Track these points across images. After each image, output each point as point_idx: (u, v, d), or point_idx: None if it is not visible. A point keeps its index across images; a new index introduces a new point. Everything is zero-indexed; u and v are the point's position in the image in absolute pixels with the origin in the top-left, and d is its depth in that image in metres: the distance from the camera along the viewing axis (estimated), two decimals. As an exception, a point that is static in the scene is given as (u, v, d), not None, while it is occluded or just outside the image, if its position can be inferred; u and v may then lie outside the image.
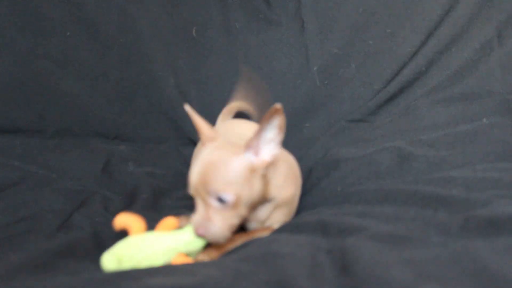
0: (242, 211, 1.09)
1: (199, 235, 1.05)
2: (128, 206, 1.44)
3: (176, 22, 2.02)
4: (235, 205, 1.07)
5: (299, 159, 1.65)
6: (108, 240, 1.17)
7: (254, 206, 1.14)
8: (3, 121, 1.92)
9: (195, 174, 1.09)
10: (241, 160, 1.10)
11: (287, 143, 1.84)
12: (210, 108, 1.93)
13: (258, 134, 1.09)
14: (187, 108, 1.18)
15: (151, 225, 1.24)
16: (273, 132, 1.10)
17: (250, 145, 1.11)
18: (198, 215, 1.07)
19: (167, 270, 0.88)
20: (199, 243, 1.07)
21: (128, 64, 2.04)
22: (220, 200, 1.05)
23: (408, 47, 1.81)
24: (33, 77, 1.95)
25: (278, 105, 1.03)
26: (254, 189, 1.11)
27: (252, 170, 1.11)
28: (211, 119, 1.67)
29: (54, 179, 1.62)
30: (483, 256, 0.69)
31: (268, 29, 1.95)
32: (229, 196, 1.05)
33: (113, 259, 0.99)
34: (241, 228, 1.19)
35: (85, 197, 1.48)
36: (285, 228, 1.15)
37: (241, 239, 1.16)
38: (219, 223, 1.06)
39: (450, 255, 0.73)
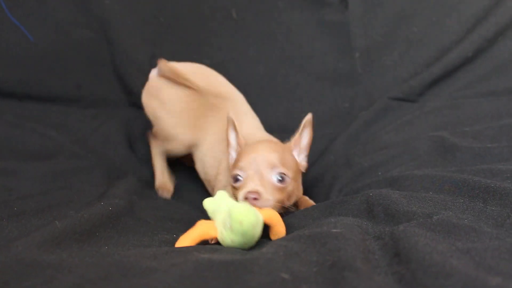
0: (285, 198, 1.15)
1: (251, 201, 1.06)
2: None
3: (216, 2, 2.00)
4: (284, 189, 1.13)
5: (337, 135, 1.65)
6: (143, 212, 1.19)
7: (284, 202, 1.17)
8: (41, 89, 1.93)
9: (262, 151, 1.15)
10: (294, 156, 1.25)
11: (323, 120, 1.83)
12: (250, 87, 1.92)
13: (298, 138, 1.26)
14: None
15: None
16: (305, 142, 1.27)
17: (295, 146, 1.26)
18: (255, 182, 1.10)
19: (216, 248, 0.89)
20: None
21: (164, 39, 2.03)
22: (280, 178, 1.12)
23: (454, 36, 1.77)
24: (73, 46, 1.95)
25: (310, 116, 1.24)
26: (294, 185, 1.20)
27: (298, 168, 1.25)
28: (250, 99, 1.66)
29: (91, 151, 1.63)
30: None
31: (311, 8, 1.92)
32: (288, 178, 1.14)
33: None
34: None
35: (122, 168, 1.49)
36: (328, 206, 1.14)
37: None
38: (271, 194, 1.10)
39: (508, 247, 0.71)
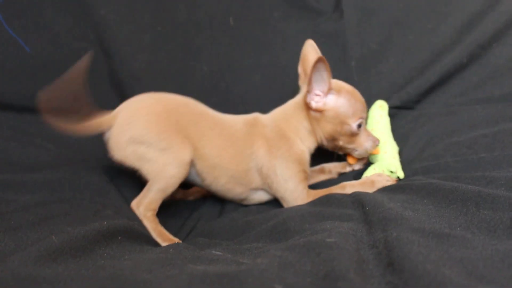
0: None
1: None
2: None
3: (214, 10, 2.01)
4: None
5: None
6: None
7: None
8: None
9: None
10: None
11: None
12: (245, 97, 1.93)
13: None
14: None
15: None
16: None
17: None
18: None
19: (212, 259, 0.89)
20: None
21: (161, 47, 2.03)
22: None
23: (449, 43, 1.77)
24: (70, 58, 1.95)
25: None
26: None
27: None
28: (247, 108, 1.67)
29: (88, 163, 1.63)
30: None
31: (307, 18, 1.92)
32: None
33: None
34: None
35: (120, 184, 1.49)
36: (324, 210, 1.15)
37: None
38: None
39: (501, 256, 0.71)
